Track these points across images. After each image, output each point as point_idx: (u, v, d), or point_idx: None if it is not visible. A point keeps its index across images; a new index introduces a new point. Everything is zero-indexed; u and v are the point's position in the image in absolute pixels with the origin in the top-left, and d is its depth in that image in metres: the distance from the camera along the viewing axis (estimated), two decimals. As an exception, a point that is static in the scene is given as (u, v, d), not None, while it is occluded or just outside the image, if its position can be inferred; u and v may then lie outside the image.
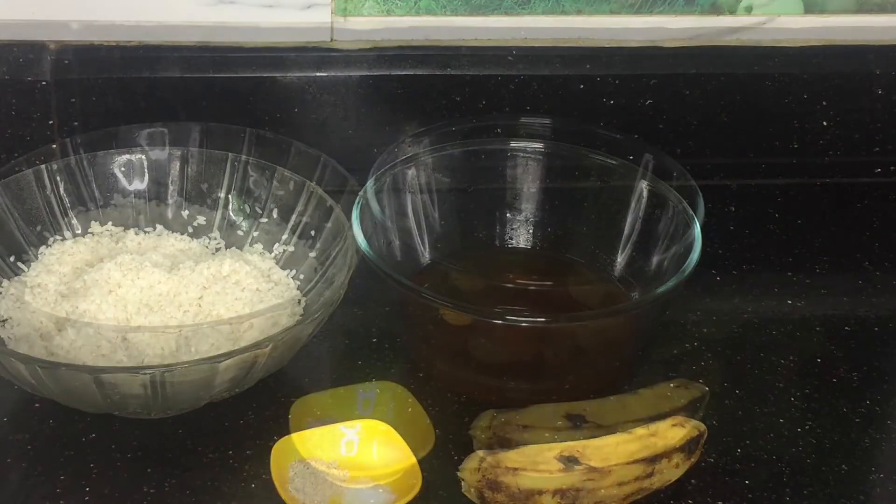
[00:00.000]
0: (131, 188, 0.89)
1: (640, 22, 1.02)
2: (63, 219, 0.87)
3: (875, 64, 1.03)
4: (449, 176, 0.91)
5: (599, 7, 1.01)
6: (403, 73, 0.99)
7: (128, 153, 0.89)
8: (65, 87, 0.95)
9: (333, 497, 0.72)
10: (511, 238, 0.92)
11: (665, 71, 1.01)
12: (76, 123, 0.96)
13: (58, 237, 0.86)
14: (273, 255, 0.87)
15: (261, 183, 0.89)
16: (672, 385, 0.79)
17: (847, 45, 1.03)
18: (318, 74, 0.98)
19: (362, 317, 0.86)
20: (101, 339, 0.76)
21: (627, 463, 0.71)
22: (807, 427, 0.80)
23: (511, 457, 0.71)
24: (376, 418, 0.76)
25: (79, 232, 0.87)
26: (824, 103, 1.03)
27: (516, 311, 0.78)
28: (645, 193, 0.88)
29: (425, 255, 0.89)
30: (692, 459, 0.74)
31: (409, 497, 0.72)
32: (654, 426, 0.73)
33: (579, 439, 0.72)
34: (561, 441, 0.72)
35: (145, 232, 0.88)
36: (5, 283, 0.82)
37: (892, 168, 1.07)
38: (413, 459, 0.74)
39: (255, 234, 0.89)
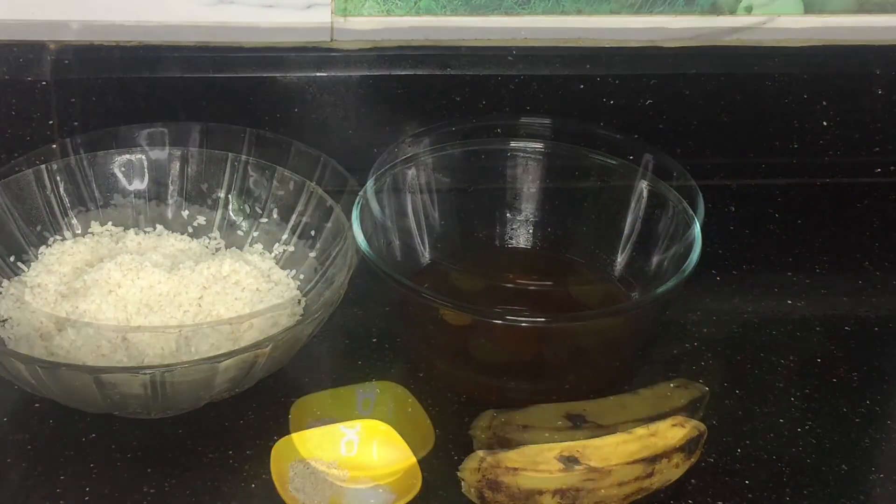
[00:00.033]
0: (131, 188, 0.89)
1: (640, 22, 1.01)
2: (63, 219, 0.87)
3: (875, 64, 1.03)
4: (449, 176, 0.91)
5: (599, 7, 1.01)
6: (403, 73, 0.99)
7: (128, 153, 0.89)
8: (65, 87, 0.95)
9: (333, 497, 0.72)
10: (511, 238, 0.92)
11: (665, 71, 1.01)
12: (76, 123, 0.96)
13: (58, 237, 0.86)
14: (273, 255, 0.87)
15: (261, 183, 0.89)
16: (672, 385, 0.78)
17: (847, 45, 1.03)
18: (317, 74, 0.98)
19: (362, 317, 0.86)
20: (101, 339, 0.76)
21: (627, 463, 0.71)
22: (807, 427, 0.80)
23: (511, 457, 0.71)
24: (376, 418, 0.76)
25: (79, 232, 0.87)
26: (824, 103, 1.03)
27: (516, 311, 0.78)
28: (645, 193, 0.88)
29: (425, 255, 0.89)
30: (692, 459, 0.74)
31: (409, 497, 0.72)
32: (654, 426, 0.73)
33: (579, 439, 0.72)
34: (561, 441, 0.72)
35: (145, 232, 0.88)
36: (5, 283, 0.82)
37: (892, 168, 1.07)
38: (413, 459, 0.74)
39: (255, 234, 0.89)
